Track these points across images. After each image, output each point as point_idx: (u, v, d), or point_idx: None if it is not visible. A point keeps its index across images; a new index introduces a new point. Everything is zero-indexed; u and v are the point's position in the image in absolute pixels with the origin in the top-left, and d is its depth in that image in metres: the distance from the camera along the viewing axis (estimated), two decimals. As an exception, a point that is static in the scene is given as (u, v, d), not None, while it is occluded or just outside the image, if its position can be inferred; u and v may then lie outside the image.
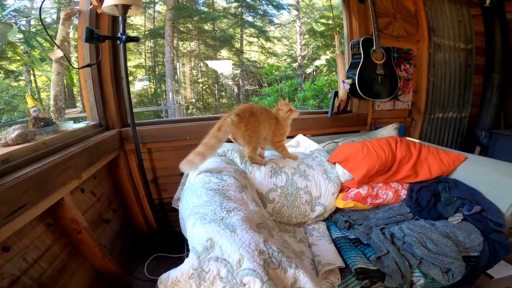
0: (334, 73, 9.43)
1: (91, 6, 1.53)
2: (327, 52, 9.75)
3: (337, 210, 1.45)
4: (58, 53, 1.50)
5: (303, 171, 1.40)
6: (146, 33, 8.67)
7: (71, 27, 1.60)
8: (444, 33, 2.37)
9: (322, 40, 9.68)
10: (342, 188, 1.48)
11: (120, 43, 1.48)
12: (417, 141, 1.81)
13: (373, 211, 1.41)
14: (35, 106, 1.28)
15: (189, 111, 9.50)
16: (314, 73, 9.98)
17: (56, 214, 1.07)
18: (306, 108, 4.61)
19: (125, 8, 1.40)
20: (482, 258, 1.12)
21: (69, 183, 1.09)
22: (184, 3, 8.46)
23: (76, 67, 1.58)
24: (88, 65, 1.45)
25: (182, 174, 1.48)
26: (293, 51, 10.43)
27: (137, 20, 8.63)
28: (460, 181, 1.40)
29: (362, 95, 1.88)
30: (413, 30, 2.27)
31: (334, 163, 1.53)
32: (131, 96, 1.57)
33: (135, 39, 1.50)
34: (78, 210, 1.13)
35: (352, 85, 1.92)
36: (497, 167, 1.37)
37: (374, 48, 1.90)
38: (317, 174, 1.43)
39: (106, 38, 1.46)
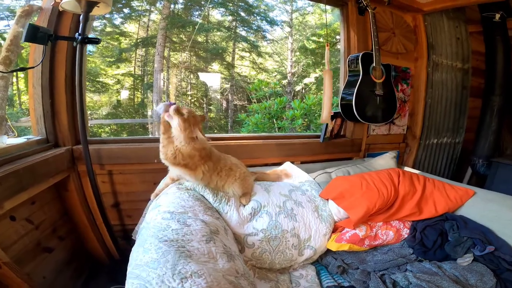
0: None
1: (53, 2, 1.30)
2: (317, 70, 9.82)
3: (328, 251, 1.25)
4: None
5: (290, 209, 1.17)
6: (138, 41, 8.47)
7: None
8: (442, 51, 2.25)
9: (312, 57, 9.76)
10: (335, 228, 1.28)
11: (76, 45, 1.24)
12: (417, 171, 1.63)
13: (371, 253, 1.22)
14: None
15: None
16: (303, 91, 9.99)
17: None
18: (294, 127, 4.43)
19: (90, 5, 1.17)
20: (494, 299, 0.99)
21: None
22: (179, 13, 8.36)
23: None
24: (20, 69, 1.18)
25: (148, 200, 1.25)
26: (283, 68, 10.46)
27: (130, 28, 8.43)
28: (469, 218, 1.28)
29: (359, 118, 1.69)
30: (412, 47, 2.13)
31: (327, 199, 1.31)
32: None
33: (94, 41, 1.27)
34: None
35: (348, 107, 1.73)
36: (508, 203, 1.27)
37: (374, 65, 1.72)
38: (307, 212, 1.20)
39: (57, 38, 1.22)
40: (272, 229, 1.09)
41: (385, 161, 1.74)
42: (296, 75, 10.07)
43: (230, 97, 9.70)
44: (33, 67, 1.23)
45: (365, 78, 1.72)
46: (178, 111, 0.97)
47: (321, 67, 9.72)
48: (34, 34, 1.12)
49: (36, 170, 1.09)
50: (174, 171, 1.12)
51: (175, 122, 0.97)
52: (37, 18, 1.41)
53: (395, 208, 1.28)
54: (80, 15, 1.24)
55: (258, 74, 10.32)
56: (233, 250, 0.87)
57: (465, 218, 1.28)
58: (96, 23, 7.22)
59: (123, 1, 7.66)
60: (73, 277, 1.42)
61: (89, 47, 7.61)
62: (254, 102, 5.53)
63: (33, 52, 1.35)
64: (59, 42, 1.35)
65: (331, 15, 9.62)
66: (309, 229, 1.17)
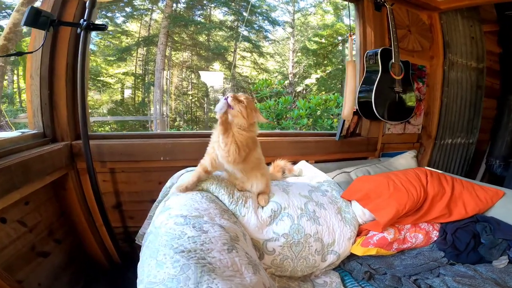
0: (323, 92, 9.35)
1: (59, -12, 1.21)
2: (318, 71, 9.75)
3: (351, 255, 1.16)
4: None
5: (312, 212, 1.06)
6: (140, 40, 8.39)
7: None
8: (457, 49, 2.19)
9: (314, 58, 9.69)
10: (359, 231, 1.19)
11: (81, 31, 1.16)
12: (442, 172, 1.54)
13: (398, 257, 1.15)
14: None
15: (176, 123, 9.08)
16: (304, 91, 9.92)
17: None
18: (299, 127, 4.33)
19: (99, -10, 1.09)
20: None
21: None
22: (181, 12, 8.28)
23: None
24: (17, 54, 1.08)
25: (153, 200, 1.16)
26: (284, 68, 10.38)
27: (132, 27, 8.35)
28: (500, 220, 1.23)
29: (378, 115, 1.59)
30: (428, 45, 2.06)
31: (350, 201, 1.22)
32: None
33: (100, 27, 1.18)
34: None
35: (366, 104, 1.64)
36: (538, 203, 1.22)
37: (393, 61, 1.64)
38: (330, 214, 1.10)
39: (60, 24, 1.14)
40: (294, 234, 0.98)
41: (406, 160, 1.64)
42: (297, 76, 10.00)
43: (231, 97, 9.59)
44: (31, 52, 1.13)
45: (384, 75, 1.64)
46: (236, 99, 0.92)
47: (323, 67, 9.65)
48: (35, 18, 1.03)
49: (30, 166, 0.98)
50: (229, 169, 1.01)
51: (235, 110, 0.91)
52: (40, 5, 1.32)
53: (424, 210, 1.19)
54: (85, 2, 1.18)
55: (259, 74, 10.24)
56: (255, 259, 0.76)
57: (497, 220, 1.22)
58: (97, 22, 7.13)
59: (125, 0, 7.58)
60: (71, 283, 1.33)
61: (90, 45, 7.49)
62: (256, 103, 5.40)
63: (33, 40, 1.25)
64: (62, 29, 1.26)
65: (334, 16, 9.60)
66: (333, 233, 1.07)
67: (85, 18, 1.15)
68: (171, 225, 0.69)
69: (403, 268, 1.08)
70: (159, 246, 0.61)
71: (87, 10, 1.16)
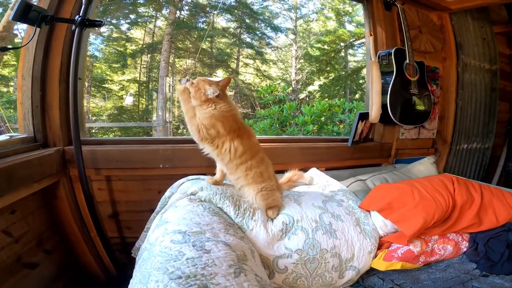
0: (327, 99, 9.27)
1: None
2: (321, 78, 9.71)
3: (371, 270, 1.06)
4: None
5: (328, 224, 0.95)
6: (144, 47, 8.45)
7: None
8: (470, 51, 2.11)
9: (316, 65, 9.66)
10: (381, 243, 1.08)
11: (75, 28, 1.09)
12: (467, 179, 1.42)
13: (425, 271, 1.07)
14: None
15: (179, 131, 9.03)
16: (307, 98, 9.87)
17: None
18: (304, 134, 4.23)
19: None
20: None
21: None
22: (184, 19, 8.34)
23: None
24: (2, 49, 1.01)
25: (152, 210, 1.07)
26: (287, 75, 10.35)
27: (136, 34, 8.42)
28: None
29: (394, 119, 1.49)
30: (440, 46, 1.98)
31: (369, 211, 1.11)
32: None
33: (96, 24, 1.11)
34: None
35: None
36: None
37: (408, 61, 1.55)
38: (348, 227, 0.98)
39: (53, 19, 1.06)
40: (309, 249, 0.87)
41: (425, 167, 1.53)
42: (300, 83, 9.95)
43: (234, 104, 9.55)
44: (17, 48, 1.05)
45: (399, 76, 1.56)
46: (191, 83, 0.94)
47: (326, 74, 9.59)
48: (25, 13, 0.96)
49: (15, 173, 0.88)
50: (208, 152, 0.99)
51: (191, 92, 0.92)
52: (37, 3, 1.27)
53: (453, 220, 1.09)
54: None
55: (262, 81, 10.21)
56: (265, 280, 0.65)
57: (531, 228, 1.11)
58: (103, 29, 7.26)
59: (130, 7, 7.68)
60: (63, 295, 1.23)
61: (95, 52, 7.55)
62: (258, 109, 5.30)
63: (27, 38, 1.17)
64: (58, 28, 1.20)
65: (336, 22, 9.61)
66: (352, 247, 0.96)
67: (80, 14, 1.08)
68: (167, 243, 0.58)
69: (431, 283, 0.99)
70: (152, 269, 0.50)
71: (83, 6, 1.10)
